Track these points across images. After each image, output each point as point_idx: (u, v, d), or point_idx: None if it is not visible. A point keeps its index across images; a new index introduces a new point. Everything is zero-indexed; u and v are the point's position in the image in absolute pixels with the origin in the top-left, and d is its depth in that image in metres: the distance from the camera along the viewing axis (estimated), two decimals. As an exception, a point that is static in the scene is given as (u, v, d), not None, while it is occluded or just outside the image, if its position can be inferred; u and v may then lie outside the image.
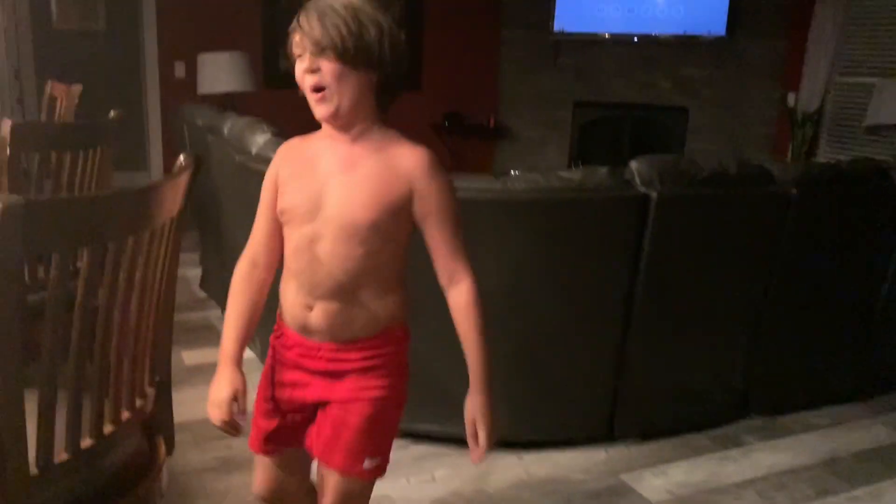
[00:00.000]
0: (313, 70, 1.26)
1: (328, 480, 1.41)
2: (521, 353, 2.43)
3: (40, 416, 0.97)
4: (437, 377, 2.46)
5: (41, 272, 1.82)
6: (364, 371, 1.41)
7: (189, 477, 2.21)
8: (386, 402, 1.46)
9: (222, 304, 3.37)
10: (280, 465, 1.46)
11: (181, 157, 1.16)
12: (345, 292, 1.36)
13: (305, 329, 1.37)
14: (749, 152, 5.99)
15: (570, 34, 6.41)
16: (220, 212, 3.25)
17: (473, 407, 1.46)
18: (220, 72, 5.17)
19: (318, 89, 1.27)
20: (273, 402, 1.40)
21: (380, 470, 1.47)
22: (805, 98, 5.71)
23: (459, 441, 2.51)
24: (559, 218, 2.33)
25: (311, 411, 1.42)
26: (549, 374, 2.46)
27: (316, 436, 1.43)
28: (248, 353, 2.10)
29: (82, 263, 0.99)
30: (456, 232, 1.42)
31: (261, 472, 1.47)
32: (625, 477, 2.37)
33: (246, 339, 1.36)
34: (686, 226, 2.44)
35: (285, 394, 1.40)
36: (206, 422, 1.27)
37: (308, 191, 1.30)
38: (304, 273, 1.34)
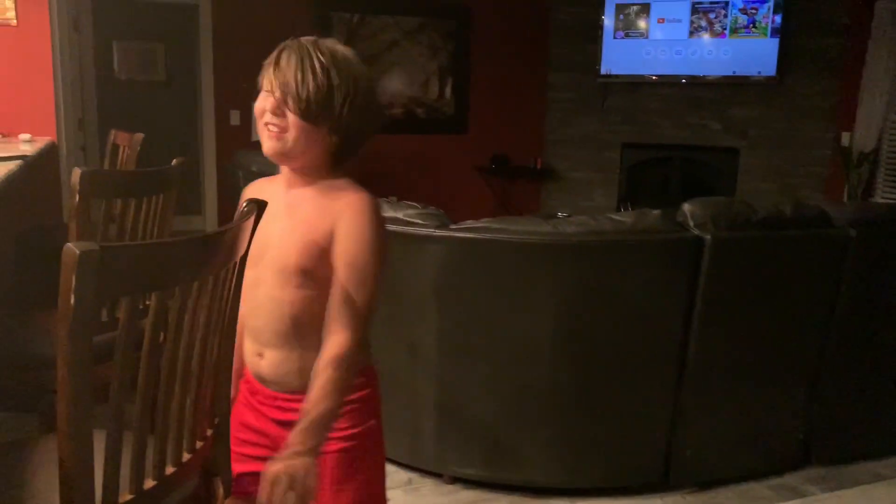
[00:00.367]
0: (275, 112, 1.29)
1: None
2: (574, 398, 2.40)
3: (107, 456, 0.99)
4: (486, 422, 2.45)
5: (104, 314, 1.88)
6: None
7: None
8: (351, 452, 1.37)
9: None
10: None
11: (244, 203, 1.20)
12: (288, 338, 1.33)
13: (259, 377, 1.37)
14: (802, 193, 5.89)
15: (617, 76, 6.44)
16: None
17: (286, 466, 1.18)
18: (274, 119, 5.30)
19: (274, 127, 1.29)
20: (239, 446, 1.39)
21: None
22: (860, 138, 5.61)
23: (509, 487, 2.49)
24: (610, 261, 2.32)
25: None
26: (602, 420, 2.42)
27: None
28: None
29: (150, 307, 1.02)
30: (359, 285, 1.30)
31: None
32: (682, 527, 2.31)
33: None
34: (741, 269, 2.40)
35: (250, 438, 1.40)
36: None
37: (258, 234, 1.26)
38: (250, 318, 1.35)
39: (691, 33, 6.18)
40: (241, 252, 1.18)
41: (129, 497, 1.04)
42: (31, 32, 3.86)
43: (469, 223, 2.33)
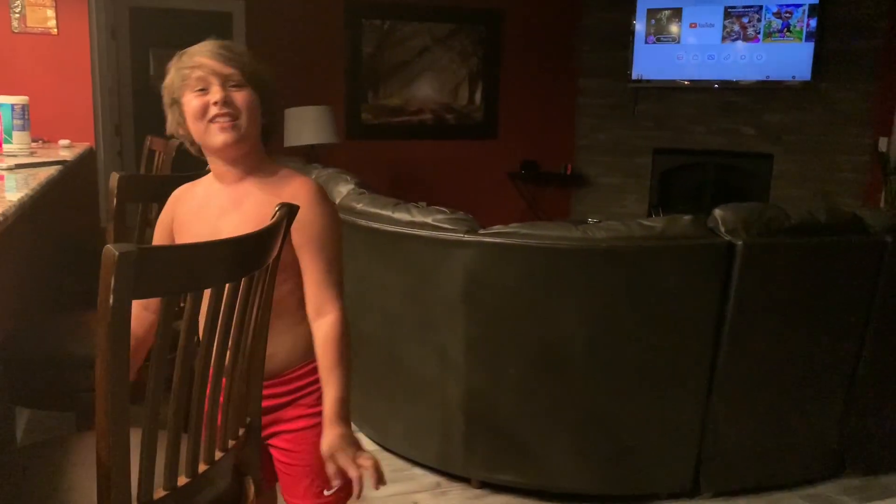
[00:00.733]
0: (226, 102, 1.30)
1: None
2: (603, 404, 2.39)
3: (142, 454, 1.01)
4: (515, 428, 2.45)
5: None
6: (295, 403, 1.45)
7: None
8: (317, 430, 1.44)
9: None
10: None
11: (276, 207, 1.22)
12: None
13: None
14: (838, 199, 5.80)
15: (648, 81, 6.40)
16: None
17: (330, 442, 1.33)
18: (306, 125, 5.37)
19: (225, 116, 1.31)
20: None
21: (343, 492, 1.43)
22: (897, 143, 5.51)
23: (537, 493, 2.48)
24: (641, 267, 2.31)
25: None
26: (632, 427, 2.41)
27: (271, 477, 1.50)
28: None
29: (185, 307, 1.04)
30: (331, 264, 1.39)
31: None
32: (712, 536, 2.29)
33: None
34: (774, 276, 2.37)
35: None
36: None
37: (202, 233, 1.31)
38: None
39: (724, 38, 6.13)
40: (274, 254, 1.20)
41: (163, 494, 1.06)
42: (71, 41, 3.96)
43: (498, 228, 2.33)
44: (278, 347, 1.41)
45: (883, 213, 2.62)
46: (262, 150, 1.43)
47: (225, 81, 1.32)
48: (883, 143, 5.66)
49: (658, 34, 6.35)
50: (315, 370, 1.43)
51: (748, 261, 2.29)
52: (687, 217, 2.36)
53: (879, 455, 2.69)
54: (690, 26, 6.23)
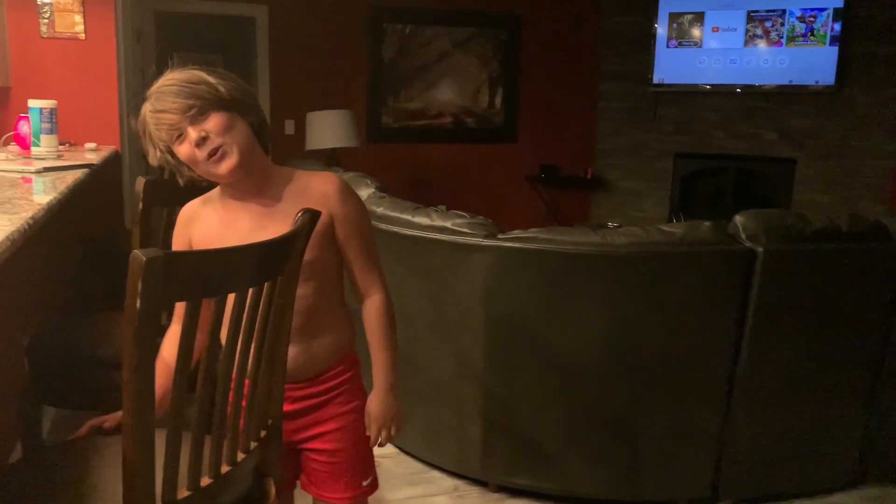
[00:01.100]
0: (202, 138, 1.30)
1: None
2: (621, 410, 2.39)
3: (167, 454, 1.03)
4: (533, 432, 2.45)
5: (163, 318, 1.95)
6: (332, 402, 1.52)
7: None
8: (360, 421, 1.54)
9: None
10: None
11: (299, 213, 1.24)
12: (300, 333, 1.42)
13: None
14: (862, 206, 5.74)
15: (669, 86, 6.38)
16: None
17: (372, 404, 1.52)
18: (327, 128, 5.41)
19: (214, 152, 1.31)
20: None
21: (375, 484, 1.60)
22: (923, 149, 5.45)
23: (555, 497, 2.48)
24: (660, 273, 2.30)
25: (284, 458, 1.50)
26: (650, 433, 2.41)
27: (308, 475, 1.57)
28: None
29: (210, 312, 1.06)
30: (370, 249, 1.49)
31: None
32: (731, 543, 2.28)
33: None
34: (794, 283, 2.36)
35: None
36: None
37: None
38: None
39: (747, 42, 6.10)
40: (297, 258, 1.22)
41: (186, 494, 1.09)
42: (98, 46, 4.02)
43: (517, 233, 2.34)
44: (316, 350, 1.47)
45: (906, 221, 2.59)
46: (263, 153, 1.42)
47: (192, 118, 1.30)
48: (908, 149, 5.60)
49: (680, 38, 6.32)
50: (349, 366, 1.53)
51: (769, 268, 2.28)
52: (707, 223, 2.35)
53: (902, 464, 2.66)
54: (713, 30, 6.21)
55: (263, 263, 1.12)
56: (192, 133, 1.30)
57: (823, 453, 2.57)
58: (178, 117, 1.30)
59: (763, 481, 2.52)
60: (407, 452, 2.78)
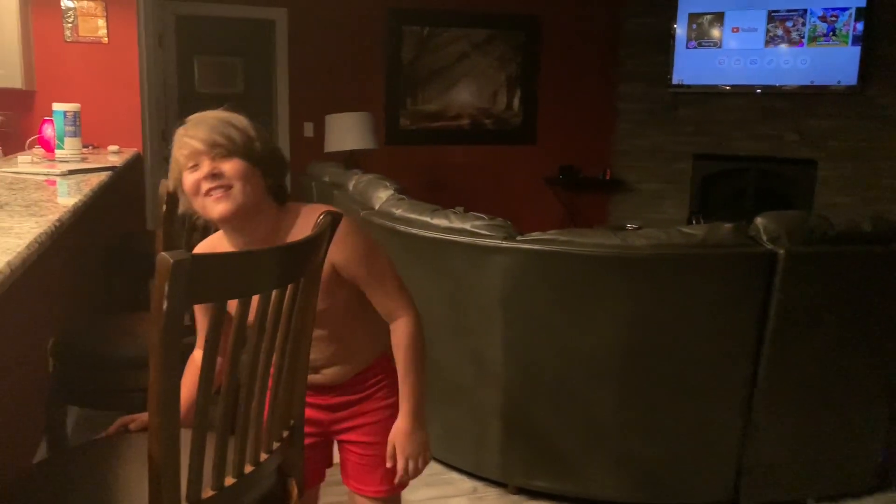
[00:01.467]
0: (214, 174, 1.30)
1: None
2: (641, 413, 2.38)
3: (192, 454, 1.05)
4: (552, 435, 2.45)
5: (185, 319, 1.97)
6: (371, 397, 1.56)
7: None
8: (396, 417, 1.55)
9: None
10: None
11: (321, 214, 1.25)
12: (341, 355, 1.50)
13: (311, 386, 1.48)
14: (884, 207, 5.67)
15: (688, 86, 6.35)
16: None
17: (397, 432, 1.51)
18: (346, 131, 5.43)
19: (217, 189, 1.31)
20: None
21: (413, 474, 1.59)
22: (947, 149, 5.38)
23: (575, 500, 2.48)
24: (680, 275, 2.29)
25: (318, 449, 1.56)
26: (671, 436, 2.40)
27: (344, 467, 1.61)
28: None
29: (234, 313, 1.07)
30: (385, 277, 1.46)
31: None
32: (752, 547, 2.26)
33: None
34: (817, 285, 2.34)
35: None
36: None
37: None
38: None
39: (767, 42, 6.05)
40: (320, 261, 1.23)
41: (210, 493, 1.10)
42: (121, 50, 4.07)
43: (536, 235, 2.34)
44: (358, 359, 1.54)
45: (931, 222, 2.56)
46: (274, 206, 1.42)
47: (214, 154, 1.31)
48: (932, 150, 5.54)
49: (699, 39, 6.29)
50: (386, 363, 1.55)
51: (790, 270, 2.27)
52: (728, 225, 2.34)
53: (926, 469, 2.63)
54: (732, 30, 6.16)
55: (286, 265, 1.13)
56: (207, 166, 1.31)
57: (846, 458, 2.55)
58: (202, 148, 1.31)
59: (785, 485, 2.50)
60: (426, 454, 2.78)
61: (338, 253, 1.38)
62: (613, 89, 6.77)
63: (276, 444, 1.26)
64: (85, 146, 3.38)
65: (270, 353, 1.17)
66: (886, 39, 5.65)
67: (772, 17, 6.00)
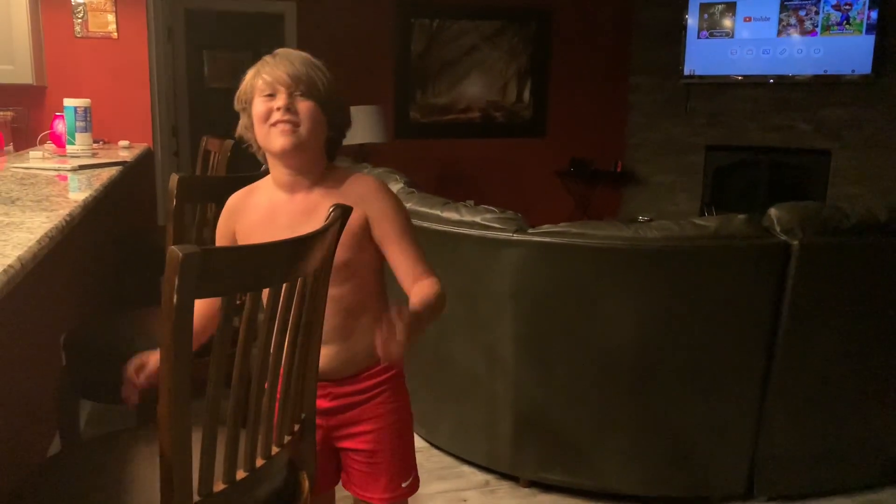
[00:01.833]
0: (288, 107, 1.34)
1: None
2: (655, 406, 2.37)
3: (203, 448, 1.04)
4: (564, 427, 2.44)
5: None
6: (372, 400, 1.50)
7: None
8: (402, 422, 1.53)
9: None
10: None
11: (331, 208, 1.24)
12: (340, 332, 1.43)
13: None
14: (899, 197, 5.62)
15: (701, 77, 6.30)
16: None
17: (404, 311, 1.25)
18: (356, 124, 5.36)
19: (285, 122, 1.34)
20: None
21: (416, 484, 1.58)
22: (963, 138, 5.31)
23: (587, 493, 2.47)
24: (694, 267, 2.28)
25: (322, 455, 1.49)
26: (684, 429, 2.38)
27: (347, 473, 1.55)
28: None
29: (243, 307, 1.07)
30: (413, 244, 1.44)
31: None
32: (766, 541, 2.25)
33: None
34: (831, 277, 2.32)
35: None
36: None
37: None
38: None
39: (780, 32, 5.99)
40: (330, 255, 1.22)
41: (222, 487, 1.10)
42: (131, 45, 4.08)
43: (547, 227, 2.33)
44: (357, 348, 1.47)
45: (948, 213, 2.53)
46: (325, 161, 1.46)
47: (292, 89, 1.36)
48: (948, 139, 5.47)
49: (711, 29, 6.24)
50: (387, 369, 1.50)
51: (804, 261, 2.24)
52: (741, 216, 2.32)
53: (943, 462, 2.61)
54: (745, 20, 6.11)
55: (296, 258, 1.13)
56: (284, 98, 1.35)
57: (862, 450, 2.53)
58: (286, 80, 1.36)
59: (799, 478, 2.48)
60: (437, 447, 2.78)
61: (375, 202, 1.41)
62: (625, 81, 6.73)
63: (287, 438, 1.26)
64: (95, 141, 3.39)
65: (281, 347, 1.16)
66: (901, 28, 5.59)
67: (784, 5, 5.94)
